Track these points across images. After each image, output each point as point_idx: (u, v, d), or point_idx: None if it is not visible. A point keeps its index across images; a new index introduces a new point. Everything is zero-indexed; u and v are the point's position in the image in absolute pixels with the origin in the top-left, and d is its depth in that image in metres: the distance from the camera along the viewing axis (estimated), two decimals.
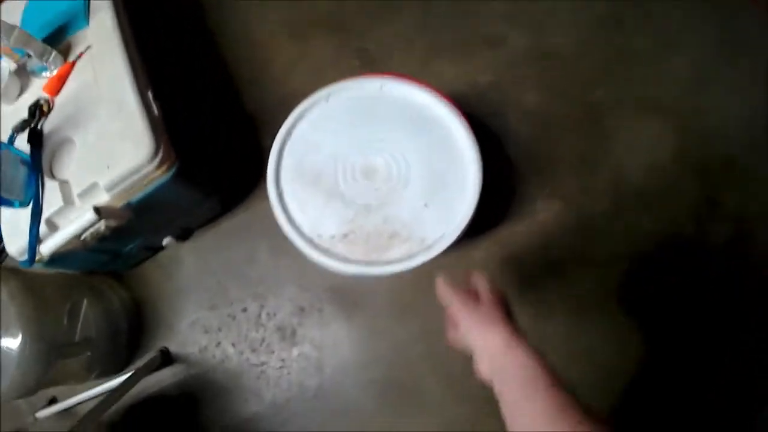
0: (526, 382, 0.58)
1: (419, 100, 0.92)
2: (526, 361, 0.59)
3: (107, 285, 1.27)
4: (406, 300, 1.21)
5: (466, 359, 1.14)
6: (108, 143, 0.95)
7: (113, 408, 1.07)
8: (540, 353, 0.60)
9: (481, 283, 0.72)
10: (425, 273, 1.19)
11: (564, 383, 0.57)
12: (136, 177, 0.94)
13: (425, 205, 0.82)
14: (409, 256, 0.79)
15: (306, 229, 0.84)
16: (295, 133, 0.92)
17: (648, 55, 1.32)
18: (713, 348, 1.10)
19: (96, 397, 1.21)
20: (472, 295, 0.71)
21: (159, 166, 0.94)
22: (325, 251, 0.81)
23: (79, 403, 1.23)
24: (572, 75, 1.30)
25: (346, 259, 0.80)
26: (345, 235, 0.81)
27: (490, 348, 0.63)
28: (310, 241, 0.82)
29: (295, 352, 1.22)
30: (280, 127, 1.30)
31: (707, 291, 1.15)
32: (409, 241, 0.80)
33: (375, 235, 0.81)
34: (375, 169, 0.84)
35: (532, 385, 0.57)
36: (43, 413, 1.25)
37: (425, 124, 0.89)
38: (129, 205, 0.98)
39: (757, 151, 1.23)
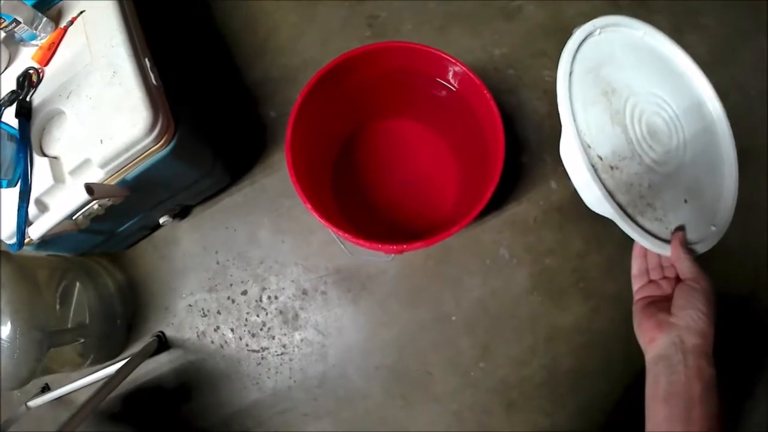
0: (715, 413, 0.57)
1: (680, 68, 0.84)
2: (718, 391, 0.58)
3: (101, 266, 1.22)
4: (416, 284, 1.17)
5: (477, 346, 1.13)
6: (102, 115, 0.89)
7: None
8: None
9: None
10: (435, 257, 1.17)
11: None
12: (132, 151, 0.88)
13: (685, 200, 0.74)
14: (655, 237, 0.70)
15: (581, 126, 0.72)
16: (606, 35, 0.80)
17: (667, 33, 1.29)
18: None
19: (90, 384, 1.17)
20: None
21: (157, 140, 0.88)
22: (592, 167, 0.70)
23: (72, 391, 1.18)
24: None
25: (607, 189, 0.70)
26: (612, 167, 0.70)
27: (705, 342, 0.61)
28: (581, 145, 0.71)
29: (297, 337, 1.18)
30: (285, 98, 1.26)
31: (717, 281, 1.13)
32: (659, 222, 0.71)
33: (634, 192, 0.71)
34: (657, 131, 0.75)
35: (718, 417, 0.57)
36: (35, 402, 1.21)
37: (710, 131, 0.81)
38: (124, 182, 0.92)
39: None
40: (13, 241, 0.90)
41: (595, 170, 0.69)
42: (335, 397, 1.16)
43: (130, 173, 0.91)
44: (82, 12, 0.99)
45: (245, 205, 1.23)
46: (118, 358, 1.20)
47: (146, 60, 0.94)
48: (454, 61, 0.92)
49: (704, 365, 0.58)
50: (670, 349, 0.61)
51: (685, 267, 0.67)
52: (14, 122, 0.93)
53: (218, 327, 1.19)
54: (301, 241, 1.20)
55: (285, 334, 1.18)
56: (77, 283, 1.12)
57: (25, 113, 0.94)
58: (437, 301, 1.16)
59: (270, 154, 1.25)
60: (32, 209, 0.90)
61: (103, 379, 1.14)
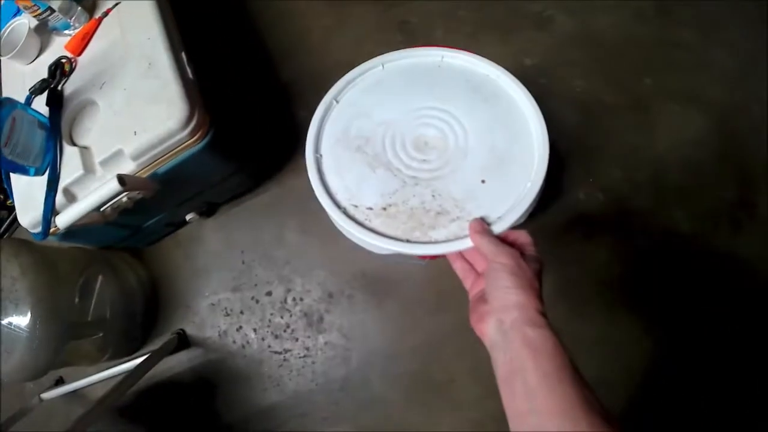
0: (552, 370, 0.52)
1: (482, 72, 0.86)
2: (557, 348, 0.53)
3: (124, 262, 1.21)
4: (442, 290, 1.15)
5: None
6: (136, 107, 0.88)
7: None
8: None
9: (529, 243, 0.65)
10: None
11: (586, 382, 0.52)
12: (166, 144, 0.87)
13: (482, 181, 0.73)
14: (456, 238, 0.70)
15: (341, 197, 0.75)
16: (345, 98, 0.85)
17: (693, 46, 1.29)
18: (727, 353, 1.05)
19: (105, 380, 1.15)
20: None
21: (192, 133, 0.87)
22: (359, 223, 0.72)
23: (87, 386, 1.17)
24: (619, 62, 1.26)
25: (382, 234, 0.71)
26: (384, 209, 0.72)
27: (523, 312, 0.57)
28: (343, 210, 0.74)
29: (321, 340, 1.16)
30: (315, 98, 1.24)
31: (735, 295, 1.10)
32: (458, 221, 0.70)
33: (420, 212, 0.72)
34: (427, 140, 0.77)
35: (557, 376, 0.52)
36: (49, 394, 1.20)
37: (488, 97, 0.83)
38: (156, 176, 0.90)
39: None
40: (38, 230, 0.89)
41: (369, 222, 0.72)
42: (356, 402, 1.14)
43: (163, 167, 0.90)
44: (117, 3, 0.98)
45: (272, 206, 1.22)
46: (136, 354, 1.19)
47: (182, 54, 0.93)
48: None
49: (528, 332, 0.55)
50: (497, 334, 0.58)
51: (486, 249, 0.64)
52: (45, 110, 0.92)
53: (241, 327, 1.18)
54: (327, 243, 1.19)
55: (309, 337, 1.16)
56: (99, 277, 1.11)
57: (55, 102, 0.93)
58: (462, 308, 1.13)
59: (299, 156, 1.23)
60: (59, 198, 0.89)
61: (120, 374, 1.13)
